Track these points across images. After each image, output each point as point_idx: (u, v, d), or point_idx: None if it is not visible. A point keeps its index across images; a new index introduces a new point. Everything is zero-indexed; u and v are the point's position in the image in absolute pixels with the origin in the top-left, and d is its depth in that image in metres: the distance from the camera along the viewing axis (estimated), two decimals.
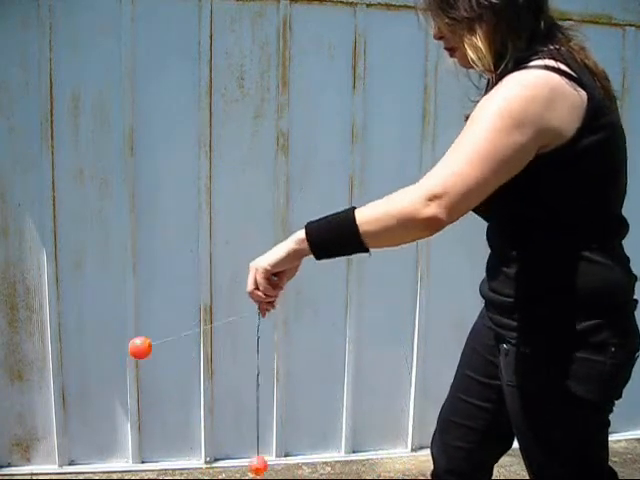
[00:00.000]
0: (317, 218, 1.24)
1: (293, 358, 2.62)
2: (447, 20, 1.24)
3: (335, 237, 1.20)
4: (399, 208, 1.14)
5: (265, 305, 1.36)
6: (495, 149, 1.11)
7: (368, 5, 2.48)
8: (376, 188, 2.59)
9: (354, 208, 1.21)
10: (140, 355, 1.34)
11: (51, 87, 2.33)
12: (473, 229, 2.69)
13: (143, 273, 2.47)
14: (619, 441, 2.70)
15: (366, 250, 1.20)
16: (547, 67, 1.15)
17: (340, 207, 2.65)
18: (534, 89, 1.13)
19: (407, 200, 1.13)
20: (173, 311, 2.52)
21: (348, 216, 1.20)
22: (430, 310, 2.70)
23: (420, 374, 2.72)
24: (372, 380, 2.70)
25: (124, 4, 2.32)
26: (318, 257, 1.24)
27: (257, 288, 1.32)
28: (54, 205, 2.38)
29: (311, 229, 1.23)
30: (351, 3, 2.46)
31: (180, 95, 2.41)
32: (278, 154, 2.50)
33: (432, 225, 1.13)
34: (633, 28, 2.66)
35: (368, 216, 1.18)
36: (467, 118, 1.28)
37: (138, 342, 1.34)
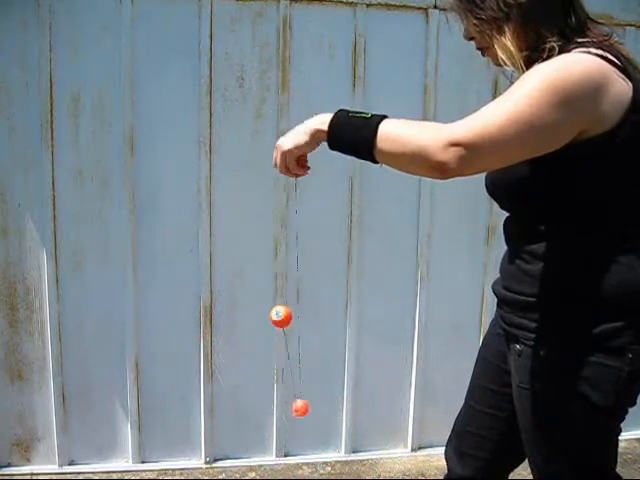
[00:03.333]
0: (350, 109, 1.23)
1: (293, 358, 2.62)
2: (475, 21, 1.23)
3: (351, 137, 1.19)
4: (420, 141, 1.11)
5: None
6: (535, 122, 1.09)
7: (368, 5, 2.48)
8: (376, 188, 2.59)
9: (384, 118, 1.17)
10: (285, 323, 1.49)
11: (51, 87, 2.32)
12: (473, 229, 2.70)
13: (143, 273, 2.47)
14: (619, 441, 2.70)
15: (375, 161, 1.19)
16: (591, 54, 1.14)
17: (340, 207, 2.67)
18: (588, 72, 1.11)
19: (430, 136, 1.11)
20: (173, 311, 2.53)
21: (372, 124, 1.17)
22: (430, 310, 2.70)
23: (420, 374, 2.72)
24: (372, 380, 2.70)
25: (124, 4, 2.32)
26: (330, 147, 1.24)
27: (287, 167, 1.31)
28: (54, 205, 2.38)
29: (337, 119, 1.21)
30: (351, 3, 2.46)
31: (180, 95, 2.41)
32: None
33: (442, 171, 1.11)
34: (633, 28, 2.66)
35: (389, 133, 1.15)
36: None
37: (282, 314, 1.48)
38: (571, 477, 1.31)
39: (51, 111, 2.34)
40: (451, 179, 1.13)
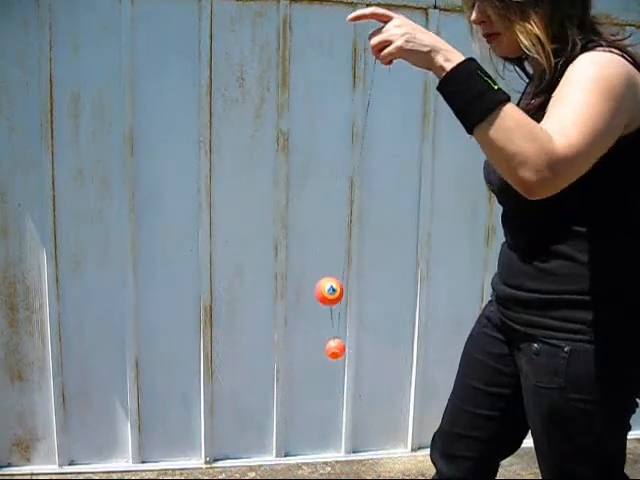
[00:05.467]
0: (478, 64, 1.10)
1: (293, 358, 2.62)
2: (497, 3, 1.21)
3: (468, 99, 1.09)
4: (526, 146, 1.05)
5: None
6: (604, 129, 1.08)
7: (368, 5, 2.46)
8: (376, 188, 2.59)
9: (508, 99, 1.08)
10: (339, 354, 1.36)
11: (51, 87, 2.32)
12: (473, 229, 2.70)
13: (143, 273, 2.47)
14: None
15: (470, 132, 1.11)
16: (616, 54, 1.15)
17: (339, 207, 2.66)
18: (624, 70, 1.12)
19: (535, 150, 1.04)
20: (173, 311, 2.53)
21: (494, 100, 1.07)
22: (430, 310, 2.70)
23: (420, 374, 2.72)
24: (372, 380, 2.70)
25: (124, 4, 2.32)
26: (439, 88, 1.12)
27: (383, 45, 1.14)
28: (54, 205, 2.38)
29: (465, 70, 1.09)
30: (351, 3, 2.46)
31: (180, 95, 2.41)
32: (278, 154, 2.50)
33: (527, 189, 1.07)
34: (633, 28, 2.66)
35: (503, 122, 1.06)
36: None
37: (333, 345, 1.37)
38: (589, 475, 1.30)
39: (51, 111, 2.34)
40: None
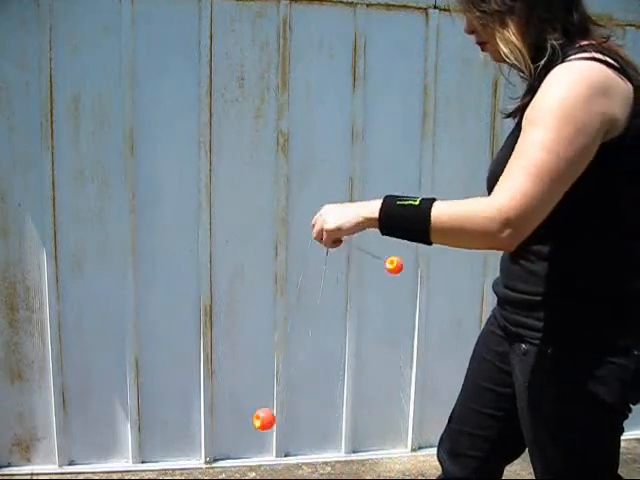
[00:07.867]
0: (396, 195, 1.24)
1: (293, 358, 2.62)
2: (478, 14, 1.23)
3: (405, 227, 1.22)
4: (475, 227, 1.13)
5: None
6: (565, 162, 1.10)
7: (368, 5, 2.48)
8: (376, 188, 2.59)
9: (433, 202, 1.18)
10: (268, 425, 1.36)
11: (51, 87, 2.33)
12: None
13: (143, 273, 2.47)
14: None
15: (429, 244, 1.22)
16: (595, 59, 1.14)
17: None
18: (591, 84, 1.12)
19: (483, 222, 1.12)
20: (173, 311, 2.53)
21: (424, 214, 1.17)
22: (430, 310, 2.70)
23: (420, 374, 2.72)
24: (372, 380, 2.70)
25: (124, 4, 2.33)
26: (383, 234, 1.27)
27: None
28: (54, 205, 2.38)
29: (387, 209, 1.23)
30: (351, 3, 2.46)
31: (180, 95, 2.41)
32: (278, 154, 2.50)
33: (503, 248, 1.16)
34: (633, 28, 2.66)
35: (443, 223, 1.16)
36: (508, 116, 1.30)
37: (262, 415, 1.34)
38: (578, 477, 1.30)
39: (51, 111, 2.34)
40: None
